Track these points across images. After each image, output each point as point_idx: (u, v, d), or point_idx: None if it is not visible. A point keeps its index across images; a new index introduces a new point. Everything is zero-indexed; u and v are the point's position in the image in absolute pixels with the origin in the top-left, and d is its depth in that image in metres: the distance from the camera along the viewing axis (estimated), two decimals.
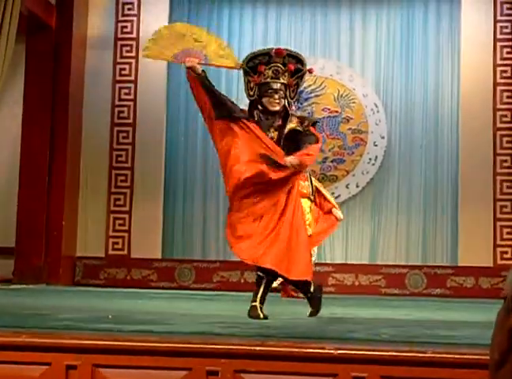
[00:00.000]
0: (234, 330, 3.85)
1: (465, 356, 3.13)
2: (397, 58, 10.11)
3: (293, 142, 5.08)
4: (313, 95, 10.11)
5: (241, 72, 5.42)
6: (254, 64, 5.25)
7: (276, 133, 5.15)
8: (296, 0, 10.27)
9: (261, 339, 3.45)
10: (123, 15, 10.28)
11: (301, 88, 9.92)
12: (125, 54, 10.22)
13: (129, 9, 10.28)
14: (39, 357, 3.28)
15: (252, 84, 5.22)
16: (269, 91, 5.11)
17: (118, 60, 10.22)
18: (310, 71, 5.30)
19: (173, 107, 10.25)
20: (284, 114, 5.22)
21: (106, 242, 9.99)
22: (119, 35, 10.26)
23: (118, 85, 10.19)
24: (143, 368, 3.25)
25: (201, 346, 3.26)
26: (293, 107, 5.27)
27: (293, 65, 5.16)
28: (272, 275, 4.96)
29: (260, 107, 5.18)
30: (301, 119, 5.29)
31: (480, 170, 9.61)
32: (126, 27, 10.25)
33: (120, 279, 9.82)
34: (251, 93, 5.26)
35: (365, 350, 3.21)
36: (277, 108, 5.13)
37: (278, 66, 5.16)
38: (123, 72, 10.20)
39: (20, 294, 7.51)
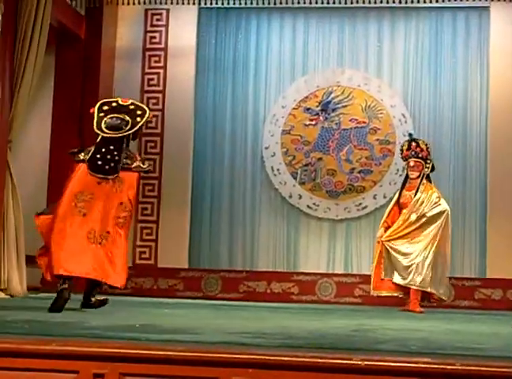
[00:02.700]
0: (260, 340, 3.85)
1: (494, 369, 3.10)
2: (425, 69, 10.08)
3: None
4: (340, 105, 10.11)
5: None
6: None
7: None
8: (324, 11, 10.26)
9: (288, 350, 3.44)
10: (152, 25, 10.34)
11: (328, 99, 10.01)
12: (153, 64, 10.28)
13: (157, 20, 10.34)
14: (67, 365, 3.30)
15: None
16: None
17: (147, 70, 10.29)
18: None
19: (201, 117, 10.29)
20: None
21: (133, 251, 10.02)
22: (147, 46, 10.32)
23: (146, 95, 10.24)
24: (169, 377, 3.26)
25: (228, 355, 3.26)
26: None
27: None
28: None
29: None
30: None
31: (508, 182, 9.55)
32: (154, 37, 10.31)
33: (147, 289, 9.85)
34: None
35: (393, 361, 3.19)
36: None
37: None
38: (151, 82, 10.26)
39: (48, 302, 7.54)
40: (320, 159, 10.07)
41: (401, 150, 8.34)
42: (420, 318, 6.78)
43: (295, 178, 10.09)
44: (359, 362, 3.16)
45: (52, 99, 9.74)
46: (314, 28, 10.29)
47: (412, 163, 8.08)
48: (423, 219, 7.95)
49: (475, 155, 9.88)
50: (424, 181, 8.09)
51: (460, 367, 3.12)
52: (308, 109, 10.16)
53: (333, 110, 10.12)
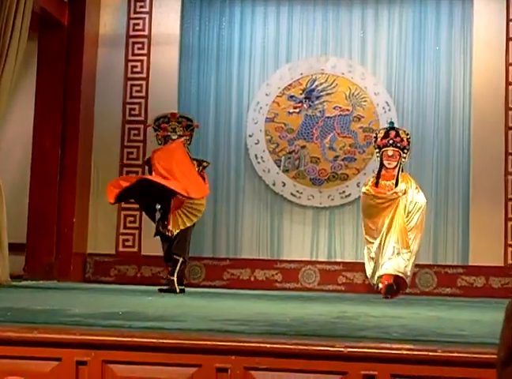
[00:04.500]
0: (244, 327, 3.85)
1: (475, 355, 3.12)
2: (408, 57, 10.09)
3: None
4: (324, 93, 10.11)
5: None
6: (159, 123, 8.01)
7: None
8: None
9: (270, 337, 3.45)
10: (135, 12, 10.30)
11: (312, 87, 10.00)
12: (136, 51, 10.24)
13: (141, 7, 10.30)
14: (49, 352, 3.29)
15: (160, 136, 7.97)
16: (169, 140, 7.88)
17: (130, 57, 10.25)
18: (197, 126, 8.26)
19: (184, 105, 10.26)
20: None
21: (116, 239, 10.01)
22: (131, 33, 10.28)
23: (129, 83, 10.21)
24: (153, 364, 3.26)
25: (211, 343, 3.27)
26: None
27: (185, 122, 7.99)
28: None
29: None
30: (197, 162, 8.07)
31: (491, 170, 9.59)
32: (137, 24, 10.27)
33: (130, 276, 9.85)
34: (159, 142, 7.99)
35: (375, 348, 3.20)
36: None
37: (174, 124, 7.95)
38: (135, 69, 10.22)
39: (31, 290, 7.53)
40: (304, 146, 10.07)
41: (375, 138, 8.12)
42: (403, 305, 6.81)
43: (278, 166, 10.09)
44: (342, 349, 3.18)
45: (35, 86, 9.69)
46: (298, 15, 10.27)
47: (390, 153, 7.90)
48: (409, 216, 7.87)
49: (458, 143, 9.91)
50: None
51: (442, 353, 3.13)
52: (292, 96, 10.16)
53: (317, 97, 10.12)
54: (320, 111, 10.09)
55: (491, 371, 2.95)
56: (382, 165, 8.00)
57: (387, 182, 7.90)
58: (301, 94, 10.15)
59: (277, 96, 10.18)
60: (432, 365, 3.12)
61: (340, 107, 10.08)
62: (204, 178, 8.05)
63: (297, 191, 10.05)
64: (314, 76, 10.17)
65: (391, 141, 7.91)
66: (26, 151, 9.71)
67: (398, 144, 7.89)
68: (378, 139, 8.01)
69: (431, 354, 3.14)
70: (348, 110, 10.07)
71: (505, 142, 9.65)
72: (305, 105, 10.12)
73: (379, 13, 10.19)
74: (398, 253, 7.76)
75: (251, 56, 10.33)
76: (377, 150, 8.10)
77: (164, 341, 3.29)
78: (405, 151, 7.93)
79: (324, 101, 10.10)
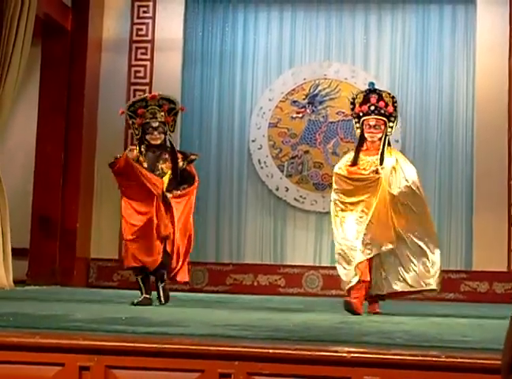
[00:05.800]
0: (247, 333, 3.85)
1: (479, 361, 3.12)
2: (411, 62, 10.09)
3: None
4: (327, 98, 10.11)
5: None
6: (135, 108, 6.54)
7: (168, 165, 6.48)
8: (311, 3, 10.27)
9: (273, 342, 3.45)
10: (138, 17, 10.31)
11: (315, 92, 9.99)
12: (140, 56, 10.25)
13: (144, 12, 10.31)
14: (52, 357, 3.29)
15: (136, 125, 6.53)
16: (149, 128, 6.46)
17: (133, 62, 10.26)
18: (182, 109, 6.94)
19: (187, 110, 10.25)
20: (170, 148, 6.58)
21: (120, 244, 9.99)
22: (134, 38, 10.29)
23: (132, 87, 10.21)
24: (156, 370, 3.26)
25: (214, 348, 3.26)
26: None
27: (167, 106, 6.53)
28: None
29: (145, 143, 6.51)
30: (182, 155, 6.60)
31: (494, 174, 9.58)
32: (141, 29, 10.28)
33: (133, 282, 9.78)
34: (137, 132, 6.55)
35: (378, 353, 3.20)
36: (158, 142, 6.49)
37: (154, 108, 6.48)
38: (138, 74, 10.23)
39: (34, 295, 7.53)
40: (307, 151, 10.07)
41: (352, 104, 6.33)
42: (406, 311, 6.79)
43: (281, 171, 10.09)
44: (345, 354, 3.17)
45: (38, 92, 9.71)
46: (301, 20, 10.28)
47: (372, 122, 6.11)
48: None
49: (461, 147, 9.90)
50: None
51: (445, 359, 3.13)
52: (295, 102, 10.16)
53: (320, 102, 10.12)
54: (323, 116, 10.09)
55: (495, 377, 2.95)
56: (362, 138, 6.23)
57: (369, 158, 6.17)
58: (304, 99, 10.15)
59: (280, 101, 10.18)
60: (435, 370, 3.12)
61: (343, 112, 10.07)
62: (192, 174, 6.65)
63: (300, 196, 10.04)
64: (317, 82, 10.17)
65: (373, 107, 6.15)
66: (29, 157, 9.72)
67: (382, 111, 6.14)
68: (356, 105, 6.27)
69: (434, 359, 3.13)
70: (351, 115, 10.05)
71: (508, 146, 9.63)
72: (308, 110, 10.12)
73: (382, 18, 10.19)
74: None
75: (254, 61, 10.34)
76: (356, 120, 6.32)
77: (167, 346, 3.29)
78: (392, 119, 6.17)
79: (327, 106, 10.10)
